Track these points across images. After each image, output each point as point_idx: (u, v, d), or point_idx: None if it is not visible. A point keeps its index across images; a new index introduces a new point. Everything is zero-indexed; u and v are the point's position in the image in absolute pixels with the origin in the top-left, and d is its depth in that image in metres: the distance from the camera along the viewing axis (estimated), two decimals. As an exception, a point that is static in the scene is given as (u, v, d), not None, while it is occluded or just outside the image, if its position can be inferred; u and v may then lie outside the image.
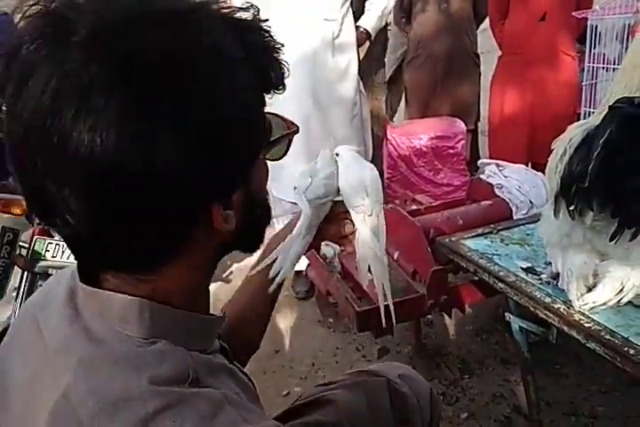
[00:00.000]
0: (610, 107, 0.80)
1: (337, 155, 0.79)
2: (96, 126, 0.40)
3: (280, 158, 0.58)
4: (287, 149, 0.60)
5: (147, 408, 0.43)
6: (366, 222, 0.76)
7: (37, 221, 1.47)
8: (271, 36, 0.51)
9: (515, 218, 1.61)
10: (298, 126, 0.58)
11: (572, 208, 0.85)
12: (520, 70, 2.40)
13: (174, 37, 0.44)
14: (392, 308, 0.78)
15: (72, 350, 0.48)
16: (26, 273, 1.44)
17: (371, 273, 0.79)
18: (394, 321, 0.79)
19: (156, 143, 0.42)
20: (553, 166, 0.90)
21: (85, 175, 0.42)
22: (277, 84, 0.53)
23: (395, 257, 1.67)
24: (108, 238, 0.46)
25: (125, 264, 0.49)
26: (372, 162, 2.70)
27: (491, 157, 2.30)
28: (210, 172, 0.46)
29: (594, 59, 1.86)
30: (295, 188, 0.76)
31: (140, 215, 0.45)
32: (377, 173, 0.81)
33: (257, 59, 0.49)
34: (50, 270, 1.41)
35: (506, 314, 1.33)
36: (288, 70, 0.53)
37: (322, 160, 0.79)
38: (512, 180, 1.70)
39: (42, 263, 1.40)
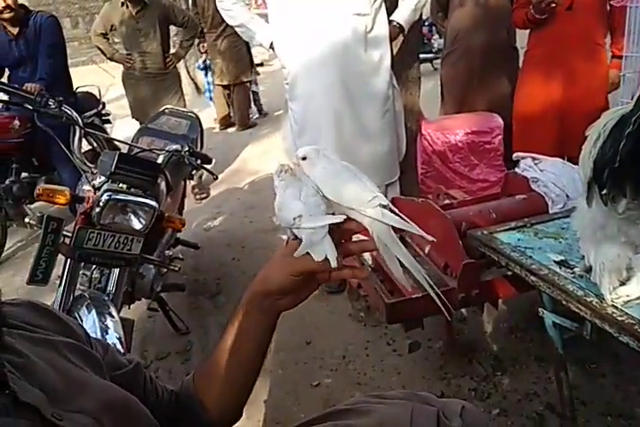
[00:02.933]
0: (645, 85, 0.78)
1: (303, 159, 0.68)
2: None
3: None
4: None
5: None
6: (385, 215, 0.65)
7: (80, 210, 1.54)
8: None
9: (551, 212, 1.58)
10: None
11: (604, 193, 0.83)
12: (548, 62, 2.33)
13: None
14: (439, 292, 0.72)
15: None
16: (69, 261, 1.51)
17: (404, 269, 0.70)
18: (448, 307, 0.72)
19: None
20: (587, 152, 0.88)
21: None
22: None
23: (426, 251, 1.66)
24: None
25: None
26: (405, 157, 2.69)
27: (516, 151, 2.27)
28: None
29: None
30: (297, 217, 0.65)
31: None
32: None
33: None
34: (92, 258, 1.48)
35: (539, 309, 1.31)
36: None
37: (283, 181, 0.69)
38: (548, 173, 1.66)
39: (84, 251, 1.46)
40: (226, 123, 5.90)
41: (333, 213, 0.67)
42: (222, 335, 0.74)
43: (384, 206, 0.66)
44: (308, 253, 0.66)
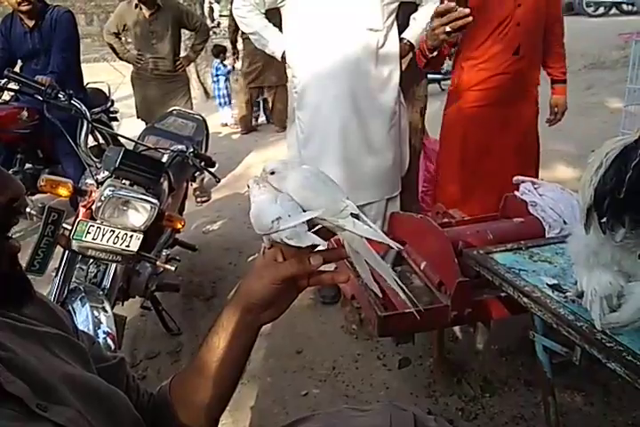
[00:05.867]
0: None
1: (272, 173, 0.69)
2: None
3: None
4: None
5: None
6: (356, 225, 0.65)
7: (82, 204, 1.55)
8: None
9: (547, 237, 1.59)
10: None
11: (603, 220, 0.84)
12: (487, 107, 2.06)
13: None
14: (412, 296, 0.73)
15: None
16: (66, 253, 1.51)
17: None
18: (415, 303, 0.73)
19: None
20: (587, 179, 0.89)
21: None
22: None
23: (422, 267, 1.67)
24: None
25: None
26: (407, 175, 2.72)
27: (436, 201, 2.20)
28: None
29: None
30: (275, 220, 0.63)
31: None
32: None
33: None
34: (89, 252, 1.48)
35: (530, 333, 1.31)
36: None
37: (259, 189, 0.69)
38: (547, 198, 1.67)
39: (82, 244, 1.47)
40: (247, 126, 5.98)
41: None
42: (201, 347, 0.74)
43: (355, 215, 0.65)
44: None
